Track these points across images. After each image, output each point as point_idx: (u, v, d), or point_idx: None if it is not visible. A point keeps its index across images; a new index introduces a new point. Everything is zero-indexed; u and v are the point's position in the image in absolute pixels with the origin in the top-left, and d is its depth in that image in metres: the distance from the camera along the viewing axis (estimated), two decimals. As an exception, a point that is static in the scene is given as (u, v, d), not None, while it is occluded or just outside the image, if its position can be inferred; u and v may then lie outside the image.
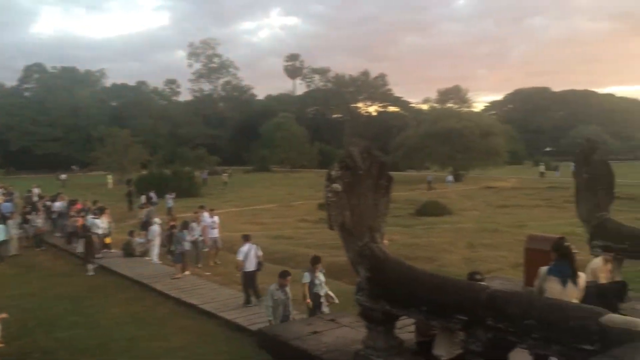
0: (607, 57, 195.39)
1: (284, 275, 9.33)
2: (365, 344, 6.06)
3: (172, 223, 16.55)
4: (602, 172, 9.37)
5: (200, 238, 16.94)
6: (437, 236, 20.76)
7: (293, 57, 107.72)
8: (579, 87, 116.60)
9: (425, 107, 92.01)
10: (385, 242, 6.57)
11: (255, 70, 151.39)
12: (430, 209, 27.59)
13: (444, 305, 5.21)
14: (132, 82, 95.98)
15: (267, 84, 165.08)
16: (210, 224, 17.49)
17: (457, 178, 52.27)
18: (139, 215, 22.83)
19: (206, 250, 17.26)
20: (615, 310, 7.32)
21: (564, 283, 5.45)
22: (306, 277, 9.48)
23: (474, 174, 54.42)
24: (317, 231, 21.76)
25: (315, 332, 7.23)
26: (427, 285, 5.48)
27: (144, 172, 48.01)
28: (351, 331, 7.19)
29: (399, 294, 5.73)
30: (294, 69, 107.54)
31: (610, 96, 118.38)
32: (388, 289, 5.83)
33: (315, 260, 9.70)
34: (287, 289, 9.30)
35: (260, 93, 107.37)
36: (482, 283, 6.11)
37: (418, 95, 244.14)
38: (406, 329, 6.67)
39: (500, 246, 17.92)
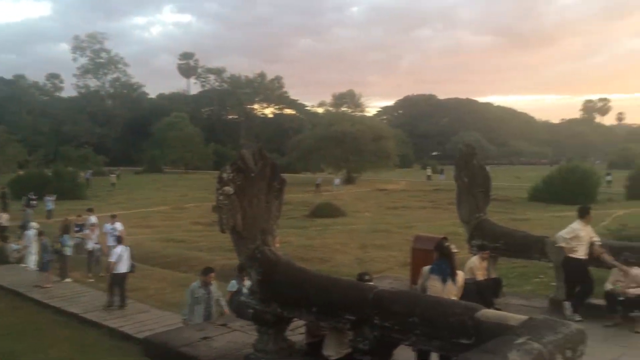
0: (487, 68, 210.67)
1: (206, 272, 8.97)
2: (256, 347, 6.02)
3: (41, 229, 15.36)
4: (480, 175, 10.01)
5: (97, 246, 15.70)
6: (331, 237, 21.17)
7: (187, 55, 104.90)
8: (462, 95, 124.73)
9: (320, 110, 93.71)
10: (277, 244, 6.56)
11: (147, 67, 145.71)
12: (325, 211, 28.09)
13: (333, 305, 5.30)
14: (8, 76, 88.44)
15: (160, 82, 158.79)
16: (110, 231, 15.90)
17: (350, 180, 53.71)
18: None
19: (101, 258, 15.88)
20: (491, 305, 7.86)
21: (444, 281, 5.76)
22: (232, 285, 9.13)
23: (367, 176, 56.21)
24: (211, 234, 21.33)
25: (206, 338, 7.07)
26: (317, 287, 5.56)
27: (21, 172, 44.43)
28: (243, 335, 7.11)
29: (290, 296, 5.75)
30: (188, 67, 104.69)
31: (489, 105, 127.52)
32: (279, 291, 5.83)
33: (242, 268, 9.39)
34: (212, 287, 8.97)
35: (152, 91, 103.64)
36: (371, 283, 6.30)
37: (313, 98, 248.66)
38: (298, 330, 6.71)
39: (390, 246, 18.62)
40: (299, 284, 5.70)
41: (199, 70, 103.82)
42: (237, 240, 6.08)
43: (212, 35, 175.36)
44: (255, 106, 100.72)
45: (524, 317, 4.19)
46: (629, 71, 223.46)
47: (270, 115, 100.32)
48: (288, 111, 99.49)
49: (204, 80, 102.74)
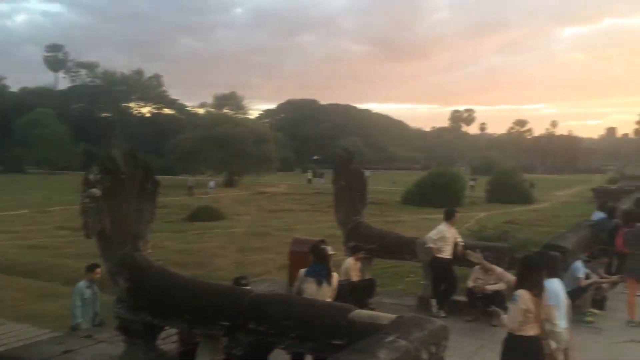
0: (366, 76, 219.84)
1: (92, 268, 8.29)
2: (122, 359, 5.67)
3: None
4: (357, 179, 10.33)
5: None
6: (209, 241, 20.71)
7: (55, 47, 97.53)
8: (343, 101, 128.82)
9: (201, 111, 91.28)
10: (149, 250, 6.25)
11: (9, 58, 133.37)
12: (204, 215, 27.43)
13: (207, 312, 5.14)
14: None
15: (24, 75, 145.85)
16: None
17: (231, 183, 53.06)
18: None
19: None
20: (365, 305, 8.10)
21: (319, 283, 5.83)
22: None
23: (248, 179, 55.88)
24: (79, 240, 19.89)
25: (67, 352, 6.51)
26: (190, 293, 5.36)
27: None
28: (109, 347, 6.65)
29: (162, 304, 5.49)
30: (56, 60, 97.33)
31: (367, 112, 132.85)
32: (150, 299, 5.54)
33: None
34: (96, 286, 8.31)
35: (14, 85, 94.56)
36: (247, 287, 6.22)
37: (195, 99, 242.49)
38: (171, 339, 6.43)
39: (269, 249, 18.60)
40: (171, 290, 5.45)
41: (69, 64, 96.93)
42: (104, 245, 5.70)
43: (84, 28, 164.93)
44: (132, 105, 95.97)
45: (393, 316, 4.34)
46: (491, 85, 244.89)
47: (148, 115, 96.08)
48: (167, 111, 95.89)
49: (74, 74, 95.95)
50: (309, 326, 4.61)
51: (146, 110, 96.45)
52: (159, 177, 6.33)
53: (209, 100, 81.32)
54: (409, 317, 4.29)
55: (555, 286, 5.54)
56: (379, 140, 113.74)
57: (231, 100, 79.96)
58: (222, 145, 52.14)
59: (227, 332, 4.94)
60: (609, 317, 8.65)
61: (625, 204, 16.94)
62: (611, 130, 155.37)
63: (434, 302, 8.56)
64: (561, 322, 5.31)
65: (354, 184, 10.03)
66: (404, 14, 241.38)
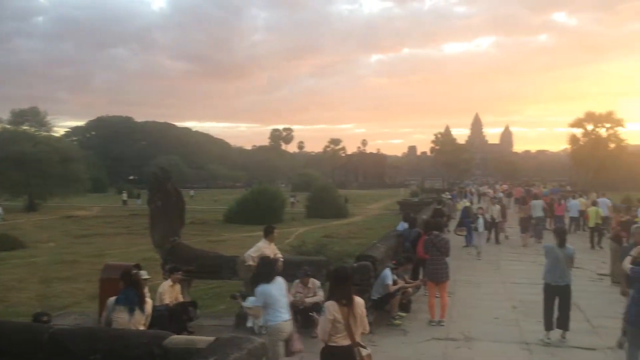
0: (185, 94, 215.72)
1: None
2: None
3: None
4: (174, 199, 9.95)
5: None
6: (7, 273, 18.26)
7: None
8: (161, 119, 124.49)
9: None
10: None
11: None
12: (-1, 243, 24.16)
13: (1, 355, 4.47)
14: None
15: None
16: None
17: (33, 207, 47.74)
18: None
19: None
20: (184, 329, 7.78)
21: (131, 311, 5.43)
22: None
23: (54, 202, 50.80)
24: None
25: None
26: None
27: None
28: None
29: None
30: None
31: (187, 130, 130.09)
32: None
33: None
34: None
35: None
36: (49, 324, 5.57)
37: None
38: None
39: (78, 278, 17.00)
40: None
41: None
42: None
43: None
44: None
45: (211, 339, 4.18)
46: (307, 105, 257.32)
47: None
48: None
49: None
50: (120, 358, 4.23)
51: None
52: None
53: (5, 115, 72.51)
54: (227, 338, 4.17)
55: (264, 289, 5.94)
56: (200, 158, 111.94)
57: (31, 115, 72.34)
58: (21, 166, 46.73)
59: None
60: (414, 318, 9.45)
61: (425, 214, 18.90)
62: (412, 149, 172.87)
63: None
64: (283, 315, 5.98)
65: (171, 203, 9.65)
66: (222, 32, 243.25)
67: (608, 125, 52.49)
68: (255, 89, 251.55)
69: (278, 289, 6.04)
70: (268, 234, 8.79)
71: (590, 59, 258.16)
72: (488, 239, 18.93)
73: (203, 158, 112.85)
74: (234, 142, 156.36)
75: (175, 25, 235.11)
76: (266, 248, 8.64)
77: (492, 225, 19.14)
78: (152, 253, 17.05)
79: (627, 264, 6.67)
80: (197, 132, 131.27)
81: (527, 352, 7.58)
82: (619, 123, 52.52)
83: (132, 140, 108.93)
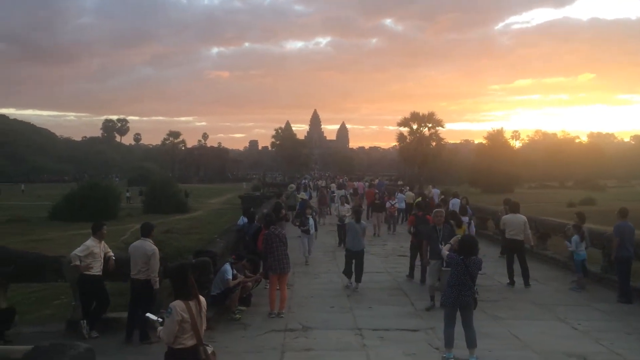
0: (1, 78, 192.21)
1: None
2: None
3: None
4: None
5: None
6: None
7: None
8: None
9: None
10: None
11: None
12: None
13: None
14: None
15: None
16: None
17: None
18: None
19: None
20: (0, 338, 7.00)
21: None
22: None
23: None
24: None
25: None
26: None
27: None
28: None
29: None
30: None
31: (4, 117, 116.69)
32: None
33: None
34: None
35: None
36: None
37: None
38: None
39: None
40: None
41: None
42: None
43: None
44: None
45: (29, 347, 3.82)
46: (144, 96, 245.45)
47: None
48: None
49: None
50: None
51: None
52: None
53: None
54: (49, 346, 3.84)
55: None
56: (20, 150, 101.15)
57: None
58: None
59: None
60: (254, 312, 9.52)
61: (266, 209, 19.12)
62: (254, 143, 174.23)
63: (84, 323, 7.93)
64: None
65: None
66: (43, 11, 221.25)
67: (430, 125, 57.69)
68: (85, 76, 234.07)
69: None
70: (96, 231, 8.22)
71: (414, 62, 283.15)
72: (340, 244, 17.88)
73: (24, 149, 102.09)
74: (60, 132, 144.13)
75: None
76: (95, 246, 8.07)
77: (342, 227, 17.13)
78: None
79: (445, 251, 7.57)
80: (15, 121, 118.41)
81: (359, 337, 8.06)
82: (439, 123, 58.02)
83: None
